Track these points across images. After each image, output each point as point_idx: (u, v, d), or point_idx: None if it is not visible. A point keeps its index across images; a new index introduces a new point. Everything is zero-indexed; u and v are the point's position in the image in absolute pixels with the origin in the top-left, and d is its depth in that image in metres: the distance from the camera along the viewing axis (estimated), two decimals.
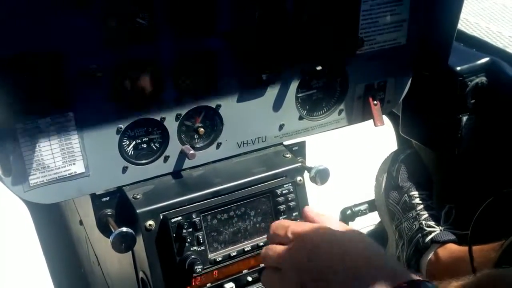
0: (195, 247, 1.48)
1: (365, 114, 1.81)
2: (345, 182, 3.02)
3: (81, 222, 2.02)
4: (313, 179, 1.66)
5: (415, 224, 2.11)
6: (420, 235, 2.08)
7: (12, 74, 1.25)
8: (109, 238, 1.42)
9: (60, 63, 1.30)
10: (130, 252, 1.53)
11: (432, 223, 2.09)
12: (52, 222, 2.29)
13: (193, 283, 1.50)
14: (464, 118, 1.89)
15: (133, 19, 1.36)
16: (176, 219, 1.45)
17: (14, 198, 1.47)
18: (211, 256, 1.51)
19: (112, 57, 1.36)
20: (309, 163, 1.73)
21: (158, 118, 1.49)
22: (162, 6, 1.37)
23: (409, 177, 2.20)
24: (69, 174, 1.42)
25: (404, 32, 1.73)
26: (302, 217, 1.42)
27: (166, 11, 1.38)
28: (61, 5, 1.25)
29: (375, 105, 1.78)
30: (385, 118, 1.86)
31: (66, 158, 1.40)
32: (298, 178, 1.63)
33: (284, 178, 1.62)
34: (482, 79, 1.88)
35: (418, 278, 1.04)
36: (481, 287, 1.22)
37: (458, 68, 1.85)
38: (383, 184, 2.24)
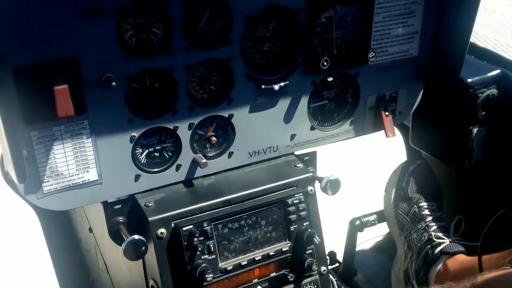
0: (206, 256, 1.49)
1: (376, 125, 1.81)
2: (355, 193, 3.01)
3: (90, 230, 2.02)
4: (324, 189, 1.66)
5: (424, 236, 2.10)
6: (429, 246, 2.07)
7: (29, 82, 1.26)
8: (120, 245, 1.42)
9: (75, 71, 1.30)
10: (141, 260, 1.53)
11: (441, 234, 2.08)
12: (62, 229, 2.30)
13: None
14: (475, 130, 1.89)
15: (149, 29, 1.37)
16: (187, 227, 1.46)
17: (24, 205, 1.48)
18: (221, 265, 1.51)
19: (127, 66, 1.37)
20: (319, 173, 1.73)
21: (171, 127, 1.50)
22: (177, 16, 1.38)
23: (419, 189, 2.19)
24: (82, 181, 1.43)
25: (416, 44, 1.74)
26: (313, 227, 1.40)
27: (181, 21, 1.39)
28: (76, 13, 1.27)
29: (387, 116, 1.78)
30: (395, 129, 1.87)
31: (80, 165, 1.41)
32: (309, 188, 1.63)
33: (295, 187, 1.62)
34: (493, 91, 1.88)
35: None
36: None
37: (469, 80, 1.85)
38: (393, 195, 2.24)
